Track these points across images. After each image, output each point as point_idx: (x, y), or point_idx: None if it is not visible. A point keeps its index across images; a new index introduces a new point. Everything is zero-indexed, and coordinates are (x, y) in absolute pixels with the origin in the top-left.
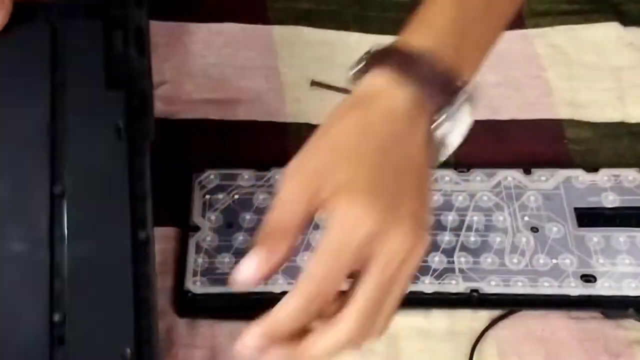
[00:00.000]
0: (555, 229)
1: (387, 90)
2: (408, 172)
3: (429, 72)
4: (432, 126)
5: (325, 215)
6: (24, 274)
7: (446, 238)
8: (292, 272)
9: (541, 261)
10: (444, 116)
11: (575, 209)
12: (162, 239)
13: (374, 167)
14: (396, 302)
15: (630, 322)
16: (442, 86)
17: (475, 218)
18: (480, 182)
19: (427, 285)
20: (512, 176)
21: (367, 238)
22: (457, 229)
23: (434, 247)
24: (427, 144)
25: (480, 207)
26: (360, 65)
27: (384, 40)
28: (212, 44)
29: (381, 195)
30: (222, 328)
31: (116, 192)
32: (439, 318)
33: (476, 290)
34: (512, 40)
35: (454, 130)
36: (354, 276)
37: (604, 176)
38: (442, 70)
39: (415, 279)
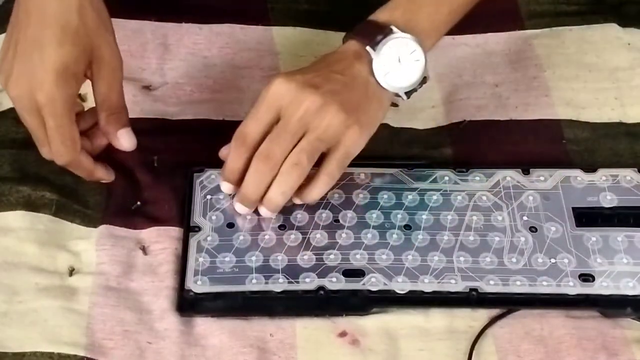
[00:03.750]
0: (553, 228)
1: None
2: (349, 84)
3: (367, 27)
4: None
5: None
6: None
7: (445, 237)
8: (292, 271)
9: (540, 260)
10: (368, 49)
11: (574, 208)
12: (163, 238)
13: (313, 71)
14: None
15: (628, 321)
16: (367, 33)
17: (474, 218)
18: (479, 182)
19: (427, 285)
20: (510, 176)
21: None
22: (456, 229)
23: (434, 246)
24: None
25: (479, 207)
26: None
27: None
28: (212, 44)
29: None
30: (222, 327)
31: None
32: (438, 317)
33: (475, 290)
34: (511, 41)
35: (396, 72)
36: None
37: (602, 176)
38: (372, 23)
39: (414, 278)
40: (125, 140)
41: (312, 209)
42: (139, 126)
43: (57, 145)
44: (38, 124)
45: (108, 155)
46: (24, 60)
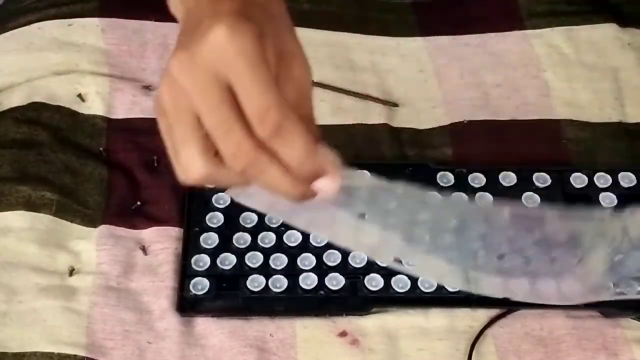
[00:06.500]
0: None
1: None
2: None
3: None
4: None
5: None
6: None
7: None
8: (292, 271)
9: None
10: None
11: (574, 209)
12: (163, 238)
13: None
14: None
15: (628, 321)
16: None
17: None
18: (479, 182)
19: (427, 285)
20: (510, 176)
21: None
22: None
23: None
24: None
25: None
26: None
27: (384, 41)
28: None
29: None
30: (222, 327)
31: None
32: (438, 317)
33: None
34: (511, 41)
35: None
36: None
37: (602, 177)
38: None
39: (414, 278)
40: (325, 156)
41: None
42: (139, 126)
43: (259, 96)
44: (220, 93)
45: (107, 155)
46: (189, 30)
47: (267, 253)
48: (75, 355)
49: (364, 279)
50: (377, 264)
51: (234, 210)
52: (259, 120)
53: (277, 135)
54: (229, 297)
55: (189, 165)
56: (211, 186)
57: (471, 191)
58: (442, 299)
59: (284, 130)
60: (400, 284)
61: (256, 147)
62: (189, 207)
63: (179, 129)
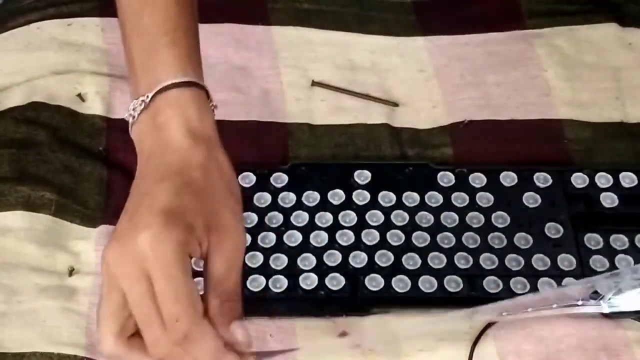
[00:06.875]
0: (554, 229)
1: None
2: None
3: None
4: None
5: None
6: None
7: (446, 238)
8: (292, 271)
9: (540, 261)
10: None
11: (574, 209)
12: None
13: None
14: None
15: (629, 322)
16: None
17: (474, 218)
18: (479, 182)
19: (427, 285)
20: (511, 176)
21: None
22: (456, 229)
23: (434, 246)
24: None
25: (479, 207)
26: None
27: (384, 40)
28: (212, 44)
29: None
30: None
31: None
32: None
33: (475, 290)
34: (512, 41)
35: None
36: None
37: (603, 177)
38: None
39: (414, 278)
40: (241, 335)
41: (312, 209)
42: None
43: (170, 305)
44: (145, 289)
45: (107, 154)
46: (128, 215)
47: (267, 253)
48: (75, 356)
49: (364, 279)
50: (377, 263)
51: None
52: (168, 326)
53: (186, 342)
54: None
55: (101, 339)
56: None
57: (472, 191)
58: (443, 299)
59: (191, 338)
60: (401, 284)
61: (173, 343)
62: None
63: (105, 304)
